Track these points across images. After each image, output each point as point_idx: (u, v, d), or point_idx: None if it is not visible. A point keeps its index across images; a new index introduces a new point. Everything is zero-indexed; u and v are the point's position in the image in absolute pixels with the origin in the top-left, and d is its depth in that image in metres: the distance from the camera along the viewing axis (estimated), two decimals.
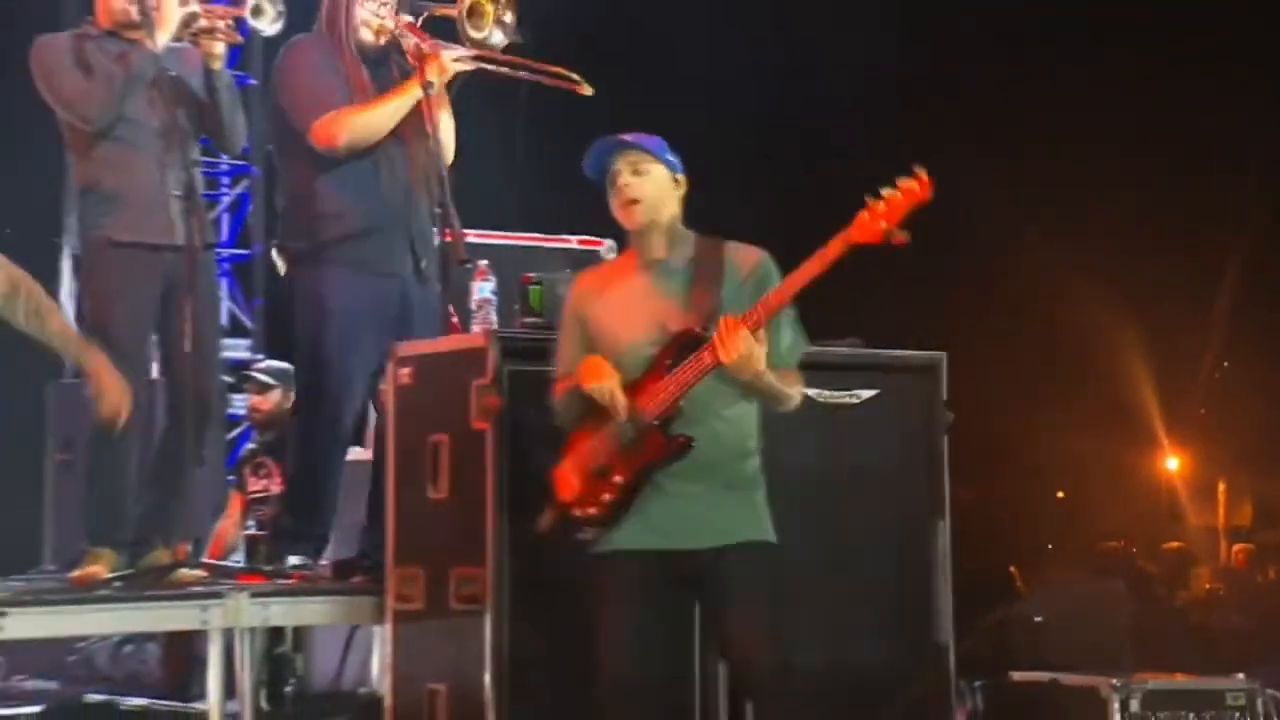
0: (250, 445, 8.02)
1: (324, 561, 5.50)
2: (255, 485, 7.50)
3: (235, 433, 9.11)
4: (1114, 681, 5.90)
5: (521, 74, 5.46)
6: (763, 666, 4.19)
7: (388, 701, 4.99)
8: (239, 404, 8.68)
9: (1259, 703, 6.03)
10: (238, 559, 7.15)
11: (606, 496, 4.29)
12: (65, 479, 7.16)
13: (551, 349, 4.60)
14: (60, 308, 4.01)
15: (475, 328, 5.13)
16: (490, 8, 5.41)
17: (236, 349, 10.26)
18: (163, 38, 5.12)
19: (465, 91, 5.58)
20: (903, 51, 13.29)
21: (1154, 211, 15.34)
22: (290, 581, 5.27)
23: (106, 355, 4.87)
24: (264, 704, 5.42)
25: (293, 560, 5.40)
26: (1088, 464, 17.86)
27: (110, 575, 5.09)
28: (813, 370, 4.52)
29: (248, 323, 10.47)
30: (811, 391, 4.61)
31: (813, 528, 4.87)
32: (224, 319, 10.29)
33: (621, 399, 4.24)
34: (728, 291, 4.26)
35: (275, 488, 7.11)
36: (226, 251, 10.29)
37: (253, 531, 7.36)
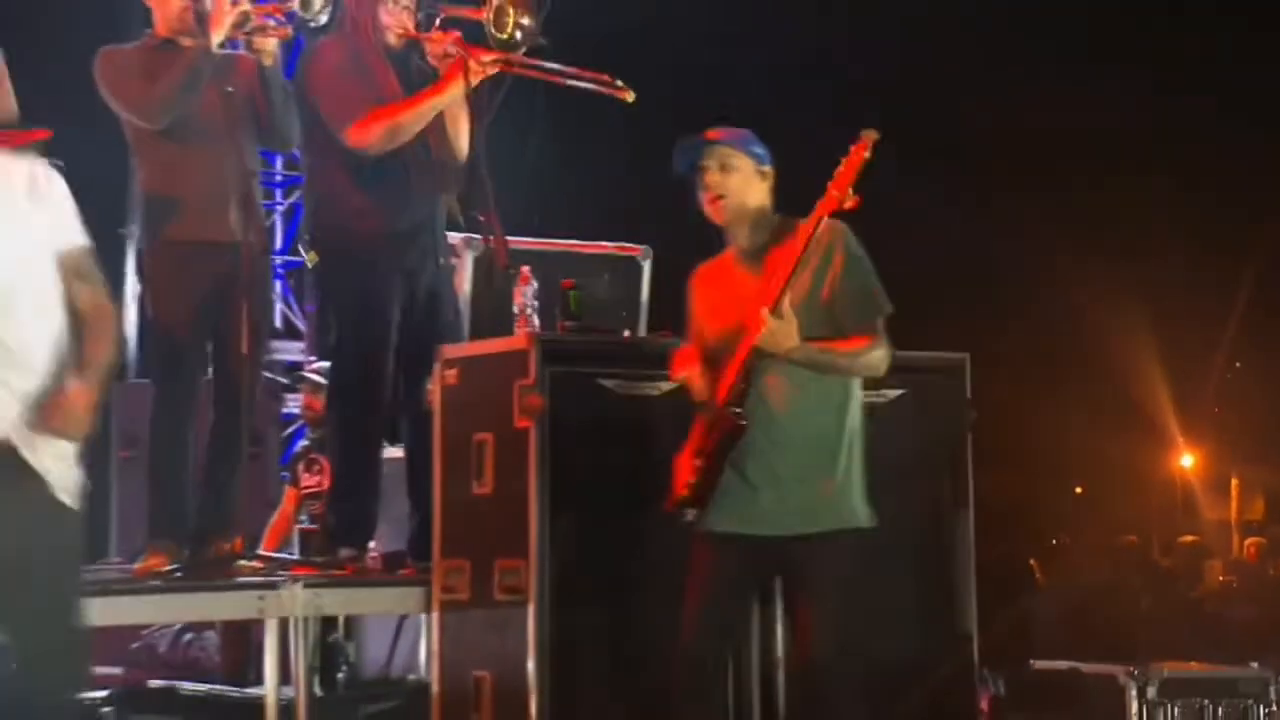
0: (303, 443, 8.04)
1: (373, 553, 5.51)
2: (308, 481, 7.50)
3: (289, 431, 9.14)
4: (1132, 670, 5.87)
5: (560, 79, 5.39)
6: (817, 658, 4.17)
7: (435, 687, 4.99)
8: (293, 404, 8.70)
9: (1271, 690, 6.00)
10: (292, 551, 7.17)
11: (691, 478, 4.31)
12: (129, 475, 7.18)
13: (590, 351, 4.62)
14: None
15: (518, 330, 5.13)
16: (512, 11, 5.36)
17: (290, 351, 10.29)
18: (217, 38, 5.11)
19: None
20: (936, 78, 13.26)
21: (1168, 225, 15.29)
22: (342, 572, 5.27)
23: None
24: (317, 689, 5.41)
25: (344, 552, 5.40)
26: (1105, 461, 17.80)
27: (171, 567, 5.10)
28: None
29: (300, 326, 10.50)
30: None
31: None
32: (278, 321, 10.34)
33: (697, 385, 4.28)
34: (800, 270, 4.23)
35: (327, 483, 7.11)
36: (280, 258, 10.31)
37: (306, 525, 7.37)
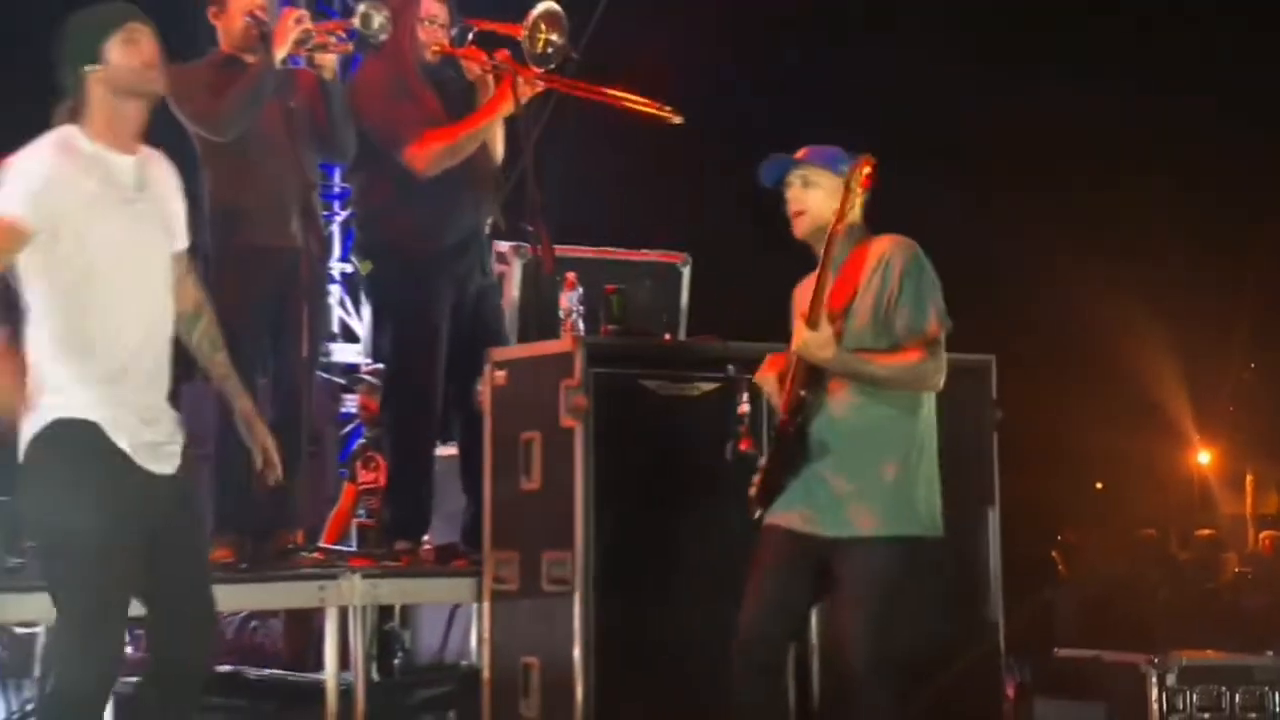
0: (360, 441, 8.07)
1: (427, 546, 5.52)
2: (365, 477, 7.54)
3: (347, 429, 9.17)
4: (1152, 658, 5.83)
5: (610, 100, 5.35)
6: (848, 661, 4.14)
7: (485, 673, 5.00)
8: (350, 403, 8.74)
9: None
10: (350, 544, 7.19)
11: (757, 478, 4.30)
12: (196, 472, 7.19)
13: (632, 353, 4.63)
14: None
15: (564, 334, 5.14)
16: (543, 27, 5.35)
17: (347, 353, 10.34)
18: (279, 55, 5.13)
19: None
20: (957, 84, 13.20)
21: (1182, 230, 15.20)
22: (398, 564, 5.29)
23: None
24: (374, 675, 5.44)
25: (399, 545, 5.42)
26: (1125, 458, 17.71)
27: (237, 559, 5.13)
28: None
29: (357, 329, 10.54)
30: None
31: None
32: (335, 325, 10.39)
33: (769, 389, 4.28)
34: (864, 280, 4.22)
35: (383, 480, 7.14)
36: (338, 265, 10.36)
37: (363, 519, 7.40)
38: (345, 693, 4.93)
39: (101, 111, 3.73)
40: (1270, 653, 6.08)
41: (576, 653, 4.65)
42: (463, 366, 5.36)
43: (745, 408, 4.53)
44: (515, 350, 5.22)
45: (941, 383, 4.27)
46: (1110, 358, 16.52)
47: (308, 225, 5.19)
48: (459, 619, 5.80)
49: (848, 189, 4.21)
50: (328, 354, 9.60)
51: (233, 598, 5.15)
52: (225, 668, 6.10)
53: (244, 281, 5.22)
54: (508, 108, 5.26)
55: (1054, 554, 11.19)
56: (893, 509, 4.19)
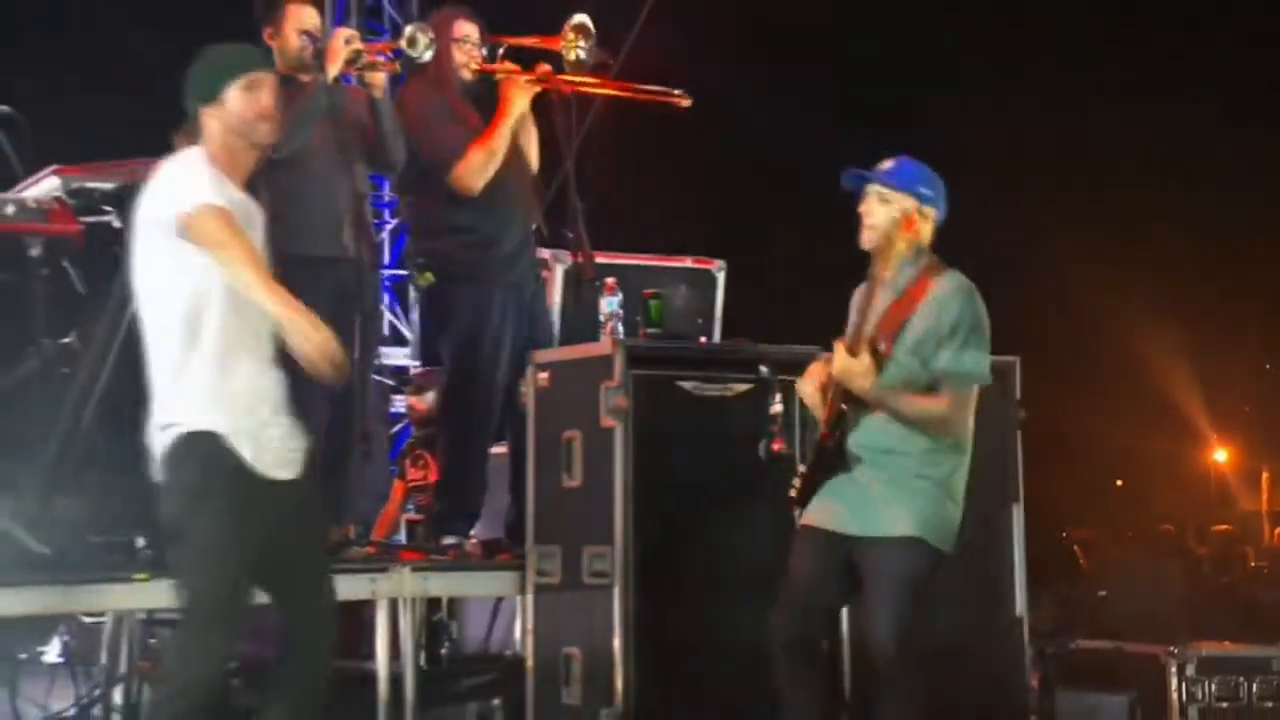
0: (409, 440, 8.08)
1: (473, 541, 5.52)
2: (414, 475, 7.54)
3: (396, 429, 9.19)
4: (1171, 649, 5.78)
5: (623, 94, 5.38)
6: (876, 653, 4.11)
7: (529, 662, 4.99)
8: (399, 404, 8.75)
9: None
10: (400, 538, 7.20)
11: (798, 481, 4.28)
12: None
13: (669, 355, 4.61)
14: None
15: (604, 337, 5.13)
16: (571, 35, 5.35)
17: (396, 356, 10.37)
18: (332, 73, 5.14)
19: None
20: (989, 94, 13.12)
21: (1200, 238, 15.10)
22: (445, 558, 5.29)
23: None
24: (423, 663, 5.43)
25: (447, 540, 5.42)
26: (1144, 456, 17.61)
27: None
28: None
29: (406, 334, 10.57)
30: None
31: None
32: (385, 330, 10.42)
33: (811, 398, 4.24)
34: (917, 314, 4.16)
35: (431, 477, 7.15)
36: (388, 272, 10.39)
37: (412, 515, 7.40)
38: (395, 680, 4.92)
39: (214, 145, 3.79)
40: None
41: (616, 643, 4.64)
42: (514, 370, 5.35)
43: (778, 408, 4.52)
44: (557, 353, 5.21)
45: (965, 434, 4.21)
46: (1130, 360, 16.43)
47: (360, 235, 5.20)
48: (503, 610, 5.80)
49: (920, 215, 4.17)
50: (379, 357, 9.63)
51: None
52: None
53: (299, 291, 5.22)
54: (519, 103, 5.29)
55: (1075, 548, 11.13)
56: (923, 516, 4.15)
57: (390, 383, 9.15)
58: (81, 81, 9.36)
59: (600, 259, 5.33)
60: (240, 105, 3.77)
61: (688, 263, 6.06)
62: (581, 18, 5.33)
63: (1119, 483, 19.37)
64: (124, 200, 4.69)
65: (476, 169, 5.30)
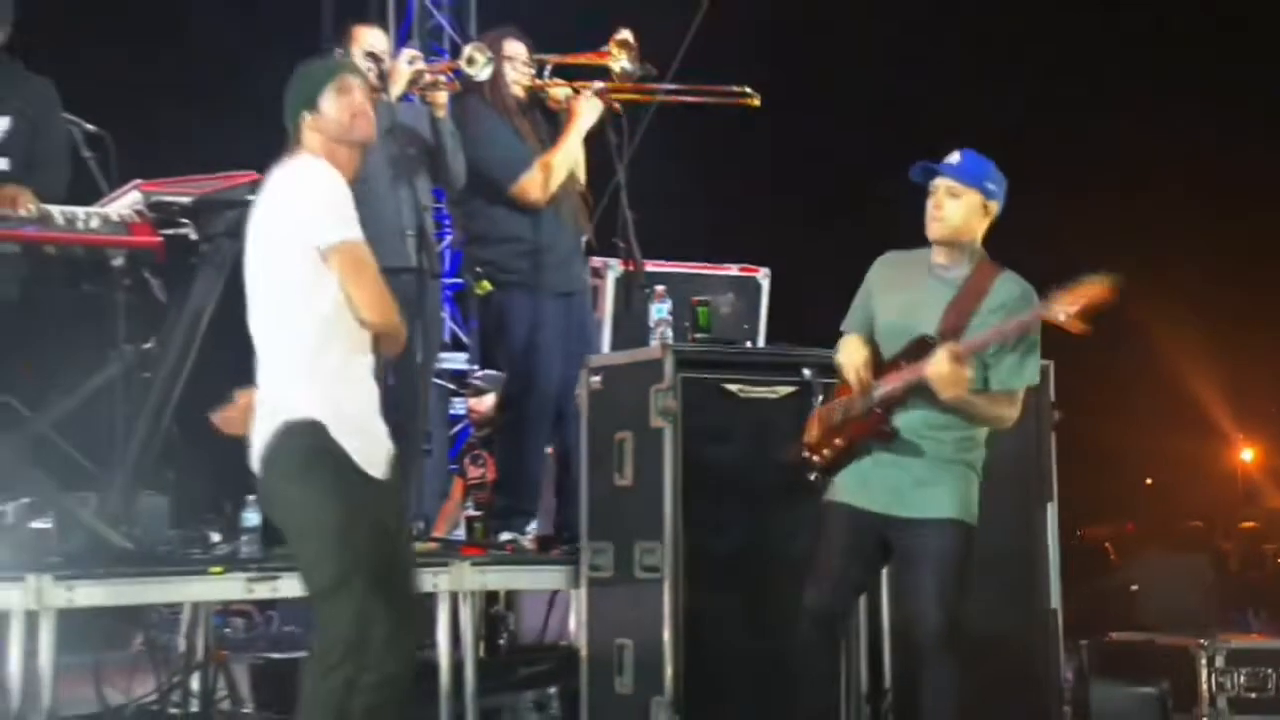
0: (468, 440, 8.10)
1: (530, 537, 5.54)
2: (473, 473, 7.54)
3: (456, 429, 9.23)
4: (1201, 642, 5.74)
5: (694, 99, 5.38)
6: (922, 630, 4.10)
7: (583, 653, 5.01)
8: (459, 406, 8.78)
9: None
10: (459, 535, 7.22)
11: (828, 452, 4.26)
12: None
13: (716, 359, 4.63)
14: None
15: (654, 342, 5.14)
16: (614, 50, 5.37)
17: (456, 360, 10.39)
18: (395, 92, 5.18)
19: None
20: (1022, 100, 13.00)
21: (1226, 237, 14.95)
22: (503, 553, 5.31)
23: None
24: (482, 654, 5.46)
25: (504, 536, 5.44)
26: (1173, 455, 17.46)
27: None
28: None
29: (465, 339, 10.60)
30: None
31: None
32: (445, 335, 10.45)
33: (861, 378, 4.17)
34: (980, 315, 4.13)
35: (490, 476, 7.17)
36: (448, 280, 10.42)
37: (471, 512, 7.42)
38: (456, 669, 4.95)
39: (320, 153, 3.79)
40: None
41: (666, 635, 4.65)
42: (564, 374, 5.37)
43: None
44: (609, 357, 5.24)
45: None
46: (1161, 363, 16.30)
47: (423, 246, 5.22)
48: (559, 603, 5.82)
49: (984, 210, 4.15)
50: (440, 362, 9.66)
51: None
52: None
53: None
54: (588, 118, 5.30)
55: (1106, 544, 11.05)
56: (963, 498, 4.17)
57: (451, 386, 9.17)
58: (171, 98, 9.43)
59: (650, 267, 5.34)
60: (335, 108, 3.79)
61: (734, 270, 6.07)
62: (625, 33, 5.36)
63: (1149, 481, 19.21)
64: (200, 214, 4.76)
65: (540, 184, 5.34)
